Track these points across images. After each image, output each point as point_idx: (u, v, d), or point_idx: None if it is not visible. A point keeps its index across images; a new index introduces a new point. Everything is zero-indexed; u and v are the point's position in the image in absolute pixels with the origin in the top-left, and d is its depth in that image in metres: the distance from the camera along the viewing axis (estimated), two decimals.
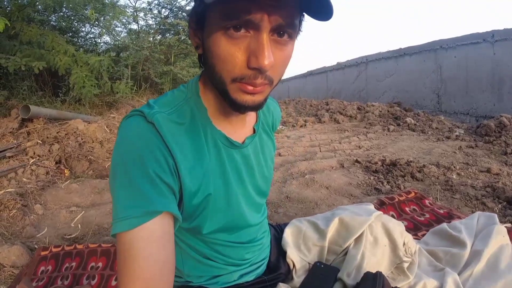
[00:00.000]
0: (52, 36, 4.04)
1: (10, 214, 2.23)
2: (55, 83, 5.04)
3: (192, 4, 0.61)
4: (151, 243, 0.50)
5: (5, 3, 4.32)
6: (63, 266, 1.51)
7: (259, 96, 0.55)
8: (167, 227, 0.53)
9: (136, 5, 6.87)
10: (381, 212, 0.97)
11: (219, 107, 0.64)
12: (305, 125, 5.68)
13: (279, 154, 3.71)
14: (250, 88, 0.52)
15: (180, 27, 8.62)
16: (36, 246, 1.85)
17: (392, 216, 1.69)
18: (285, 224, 1.03)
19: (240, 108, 0.56)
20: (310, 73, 11.07)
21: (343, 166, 3.14)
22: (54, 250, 1.62)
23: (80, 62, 4.40)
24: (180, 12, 9.16)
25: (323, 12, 0.49)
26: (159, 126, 0.56)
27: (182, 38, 9.02)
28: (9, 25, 3.32)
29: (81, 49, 5.80)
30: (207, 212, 0.65)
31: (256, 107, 0.56)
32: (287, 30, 0.51)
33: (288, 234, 0.98)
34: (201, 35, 0.57)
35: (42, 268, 1.53)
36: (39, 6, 4.46)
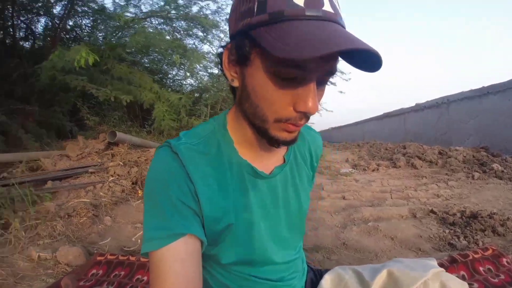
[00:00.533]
0: (140, 74, 4.63)
1: (80, 221, 2.50)
2: (144, 116, 5.70)
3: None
4: (176, 262, 0.54)
5: (100, 41, 5.11)
6: (112, 273, 1.62)
7: (296, 133, 0.58)
8: (191, 248, 0.57)
9: (217, 52, 7.56)
10: (442, 269, 0.81)
11: (247, 138, 0.65)
12: (377, 169, 5.39)
13: (343, 198, 3.54)
14: (293, 128, 0.55)
15: None
16: (95, 252, 2.01)
17: (463, 276, 1.46)
18: (326, 270, 0.93)
19: (279, 144, 0.58)
20: (387, 115, 10.61)
21: (415, 216, 2.83)
22: (109, 257, 1.75)
23: (162, 99, 4.92)
24: None
25: (370, 66, 0.50)
26: (182, 156, 0.60)
27: None
28: (100, 61, 3.89)
29: (169, 89, 6.49)
30: (228, 241, 0.65)
31: (293, 142, 0.59)
32: (330, 78, 0.56)
33: (327, 281, 0.87)
34: (240, 70, 0.57)
35: (94, 271, 1.66)
36: (129, 49, 5.16)
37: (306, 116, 0.54)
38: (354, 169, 5.56)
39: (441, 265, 1.53)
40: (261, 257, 0.70)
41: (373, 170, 5.34)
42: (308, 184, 0.79)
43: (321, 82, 0.54)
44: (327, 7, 0.47)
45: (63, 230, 2.47)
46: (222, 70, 0.61)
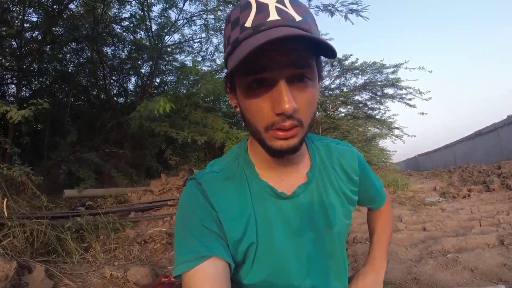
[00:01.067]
0: (212, 117, 5.08)
1: (154, 247, 2.74)
2: (219, 155, 6.17)
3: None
4: (206, 282, 0.58)
5: (182, 93, 5.78)
6: None
7: (293, 140, 0.57)
8: (220, 269, 0.60)
9: None
10: None
11: (265, 159, 0.67)
12: (468, 195, 4.84)
13: (424, 229, 3.27)
14: (281, 133, 0.56)
15: (328, 104, 9.16)
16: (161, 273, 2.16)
17: None
18: None
19: (277, 154, 0.59)
20: (478, 133, 9.34)
21: (502, 243, 2.46)
22: (172, 279, 1.88)
23: (232, 137, 5.26)
24: (325, 91, 9.83)
25: (328, 53, 0.54)
26: (205, 185, 0.66)
27: (330, 114, 9.48)
28: (179, 108, 4.38)
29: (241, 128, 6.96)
30: (251, 260, 0.66)
31: (292, 150, 0.58)
32: (304, 73, 0.55)
33: None
34: (236, 96, 0.63)
35: None
36: (204, 97, 5.73)
37: (292, 117, 0.55)
38: (442, 197, 5.11)
39: None
40: (284, 279, 0.68)
41: (463, 197, 4.84)
42: (348, 203, 0.75)
43: (296, 78, 0.55)
44: (272, 17, 0.53)
45: (138, 254, 2.73)
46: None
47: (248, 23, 0.54)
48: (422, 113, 8.20)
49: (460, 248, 2.52)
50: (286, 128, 0.55)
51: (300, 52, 0.54)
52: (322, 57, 0.61)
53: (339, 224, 0.72)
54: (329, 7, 5.20)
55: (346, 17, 5.11)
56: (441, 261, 2.29)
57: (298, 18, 0.54)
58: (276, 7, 0.54)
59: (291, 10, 0.54)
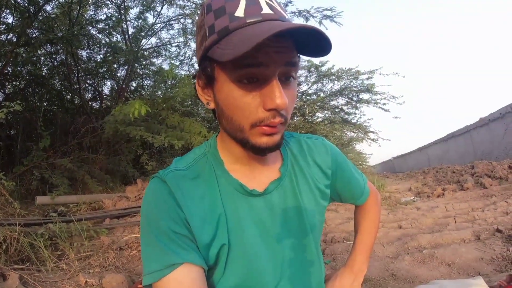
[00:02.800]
0: (189, 121, 5.01)
1: (131, 254, 2.68)
2: None
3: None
4: None
5: (159, 94, 5.70)
6: None
7: (277, 136, 0.57)
8: (194, 275, 0.57)
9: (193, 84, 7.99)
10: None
11: (237, 156, 0.65)
12: (443, 194, 5.05)
13: (399, 227, 3.34)
14: (268, 129, 0.55)
15: (306, 109, 9.31)
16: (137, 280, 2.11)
17: None
18: None
19: (263, 151, 0.58)
20: (452, 136, 9.72)
21: (478, 238, 2.56)
22: None
23: None
24: (303, 96, 9.99)
25: (320, 50, 0.54)
26: (170, 184, 0.61)
27: (308, 119, 9.63)
28: (150, 111, 4.32)
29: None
30: (223, 263, 0.62)
31: (276, 147, 0.58)
32: (291, 71, 0.56)
33: None
34: (211, 92, 0.61)
35: None
36: (181, 101, 5.68)
37: (280, 113, 0.54)
38: (417, 197, 5.27)
39: (498, 286, 1.33)
40: (258, 283, 0.64)
41: (438, 196, 5.02)
42: (321, 198, 0.73)
43: (286, 77, 0.56)
44: (265, 10, 0.52)
45: (114, 261, 2.66)
46: (198, 98, 0.64)
47: (239, 13, 0.52)
48: (396, 117, 8.45)
49: (436, 244, 2.59)
50: (274, 125, 0.55)
51: (292, 51, 0.54)
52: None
53: (313, 221, 0.70)
54: (304, 13, 5.30)
55: (320, 23, 5.23)
56: (417, 257, 2.35)
57: (287, 16, 0.54)
58: (267, 2, 0.53)
59: (278, 7, 0.55)
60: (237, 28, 0.51)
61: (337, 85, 9.56)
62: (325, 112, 10.27)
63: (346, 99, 9.60)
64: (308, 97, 9.82)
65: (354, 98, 9.40)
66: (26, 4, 4.81)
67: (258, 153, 0.59)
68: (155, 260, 0.57)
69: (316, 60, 8.73)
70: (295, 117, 9.66)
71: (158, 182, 0.63)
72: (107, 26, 6.14)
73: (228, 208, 0.63)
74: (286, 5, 5.24)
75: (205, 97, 0.62)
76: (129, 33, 6.63)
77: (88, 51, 6.46)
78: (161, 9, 6.48)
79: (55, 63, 6.18)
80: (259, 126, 0.55)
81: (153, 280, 0.56)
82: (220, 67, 0.56)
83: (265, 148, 0.57)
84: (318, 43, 0.52)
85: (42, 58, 6.07)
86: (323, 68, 9.13)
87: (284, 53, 0.53)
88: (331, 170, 0.75)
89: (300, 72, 9.57)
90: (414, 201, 4.92)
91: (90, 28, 5.98)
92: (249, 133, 0.56)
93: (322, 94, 9.74)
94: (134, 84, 7.52)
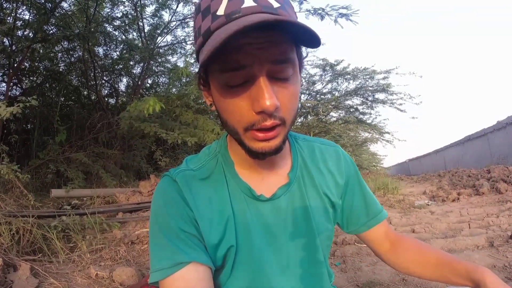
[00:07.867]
0: (203, 119, 5.05)
1: (142, 248, 2.71)
2: None
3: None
4: None
5: (174, 91, 5.77)
6: None
7: (275, 141, 0.54)
8: (201, 274, 0.57)
9: None
10: None
11: (245, 158, 0.62)
12: (458, 198, 4.93)
13: (412, 231, 3.29)
14: (261, 135, 0.52)
15: (320, 108, 9.23)
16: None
17: None
18: None
19: (258, 155, 0.55)
20: (468, 138, 9.49)
21: (492, 245, 2.50)
22: None
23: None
24: (317, 95, 9.90)
25: (312, 41, 0.50)
26: (180, 184, 0.62)
27: (322, 118, 9.55)
28: (169, 109, 4.34)
29: None
30: (231, 265, 0.62)
31: (274, 152, 0.55)
32: (284, 68, 0.51)
33: None
34: (211, 94, 0.59)
35: None
36: (193, 96, 5.73)
37: (274, 116, 0.51)
38: (431, 200, 5.16)
39: None
40: (265, 285, 0.64)
41: (453, 200, 4.90)
42: (330, 205, 0.70)
43: (276, 74, 0.51)
44: (247, 3, 0.48)
45: (125, 255, 2.69)
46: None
47: (220, 11, 0.49)
48: (413, 117, 8.31)
49: (449, 250, 2.53)
50: (267, 128, 0.51)
51: (280, 46, 0.50)
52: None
53: (320, 229, 0.67)
54: (320, 11, 5.22)
55: (336, 21, 5.16)
56: None
57: (276, 4, 0.50)
58: None
59: None
60: (217, 28, 0.49)
61: (352, 85, 9.48)
62: (340, 111, 10.20)
63: (361, 98, 9.51)
64: (322, 96, 9.76)
65: (370, 98, 9.30)
66: (42, 1, 4.92)
67: (256, 157, 0.56)
68: (163, 258, 0.57)
69: (331, 59, 8.67)
70: (309, 116, 9.61)
71: (168, 181, 0.63)
72: (123, 24, 6.25)
73: (236, 210, 0.63)
74: (301, 2, 5.18)
75: (208, 98, 0.61)
76: (145, 30, 6.73)
77: (104, 48, 6.62)
78: (177, 7, 6.53)
79: (72, 60, 6.33)
80: (252, 130, 0.52)
81: (160, 278, 0.56)
82: (209, 71, 0.54)
83: (261, 152, 0.54)
84: (305, 33, 0.48)
85: (59, 54, 6.23)
86: (338, 67, 9.05)
87: (269, 49, 0.48)
88: (344, 180, 0.73)
89: (314, 70, 9.50)
90: (428, 204, 4.83)
91: (106, 25, 6.09)
92: (244, 136, 0.54)
93: (336, 94, 9.65)
94: (149, 81, 7.66)
